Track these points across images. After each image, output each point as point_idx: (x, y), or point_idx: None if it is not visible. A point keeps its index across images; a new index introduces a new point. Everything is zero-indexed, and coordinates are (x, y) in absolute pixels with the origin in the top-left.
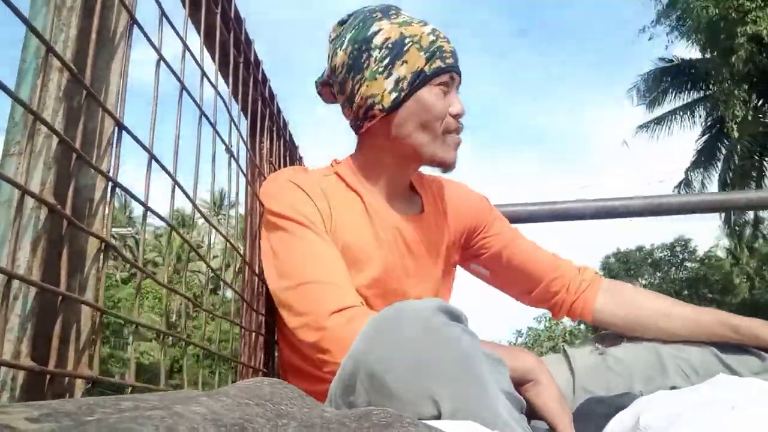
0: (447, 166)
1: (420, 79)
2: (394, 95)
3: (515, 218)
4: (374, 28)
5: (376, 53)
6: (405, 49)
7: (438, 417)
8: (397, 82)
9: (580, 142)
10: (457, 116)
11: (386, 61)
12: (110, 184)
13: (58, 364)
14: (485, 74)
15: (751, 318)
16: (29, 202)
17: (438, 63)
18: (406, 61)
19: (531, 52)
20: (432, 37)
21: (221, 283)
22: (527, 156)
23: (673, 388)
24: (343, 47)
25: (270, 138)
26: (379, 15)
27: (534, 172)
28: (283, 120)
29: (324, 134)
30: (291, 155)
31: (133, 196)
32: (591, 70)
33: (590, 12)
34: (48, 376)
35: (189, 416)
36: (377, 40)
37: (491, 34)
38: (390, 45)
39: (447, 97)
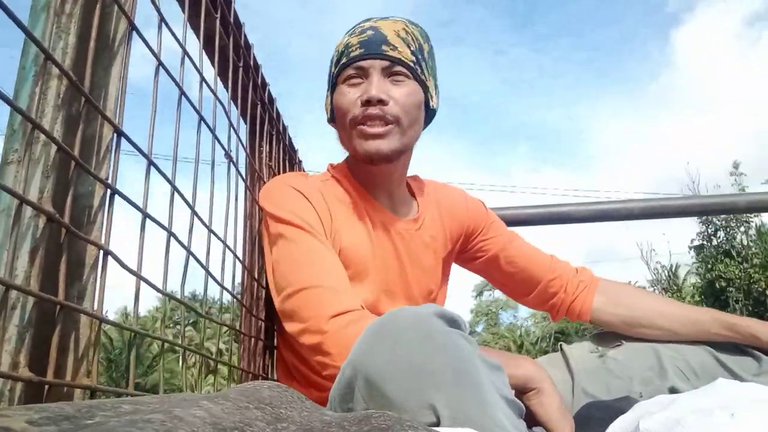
0: (369, 159)
1: (331, 86)
2: (330, 106)
3: (515, 221)
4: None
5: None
6: (332, 61)
7: (437, 424)
8: (328, 94)
9: (573, 136)
10: (368, 102)
11: (328, 78)
12: (109, 191)
13: (57, 374)
14: (481, 71)
15: (748, 317)
16: (27, 210)
17: (342, 61)
18: (332, 73)
19: (527, 49)
20: (346, 40)
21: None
22: (522, 151)
23: (672, 389)
24: None
25: (269, 142)
26: (338, 41)
27: (529, 167)
28: (283, 124)
29: (323, 132)
30: (290, 159)
31: (132, 204)
32: (586, 66)
33: (586, 9)
34: (46, 387)
35: (189, 419)
36: (329, 65)
37: (487, 32)
38: (330, 63)
39: (360, 87)
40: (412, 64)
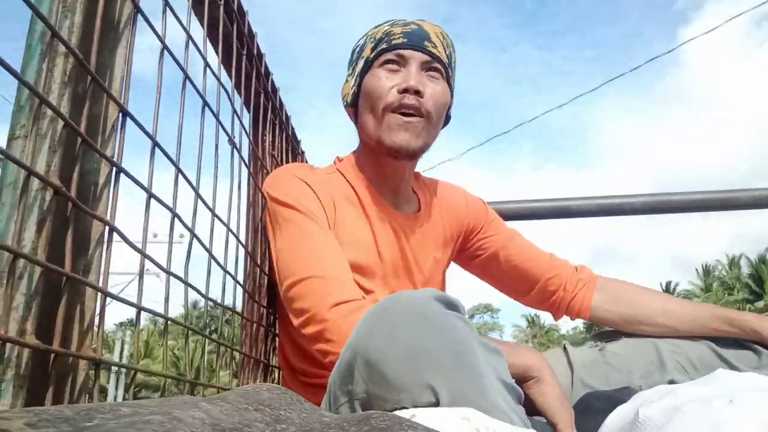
0: (395, 152)
1: (364, 67)
2: (353, 89)
3: (516, 215)
4: (359, 41)
5: (351, 61)
6: (363, 47)
7: (436, 404)
8: (355, 77)
9: (577, 134)
10: (406, 91)
11: (353, 63)
12: (114, 169)
13: (62, 344)
14: (486, 69)
15: (746, 312)
16: (34, 183)
17: (382, 46)
18: (362, 57)
19: (532, 47)
20: (386, 28)
21: None
22: (526, 148)
23: (671, 382)
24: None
25: (272, 131)
26: (371, 29)
27: (532, 164)
28: (286, 114)
29: (325, 127)
30: (293, 149)
31: (137, 182)
32: (591, 63)
33: (592, 6)
34: (52, 355)
35: (188, 421)
36: (354, 51)
37: (491, 29)
38: (357, 49)
39: (397, 74)
40: (446, 65)
